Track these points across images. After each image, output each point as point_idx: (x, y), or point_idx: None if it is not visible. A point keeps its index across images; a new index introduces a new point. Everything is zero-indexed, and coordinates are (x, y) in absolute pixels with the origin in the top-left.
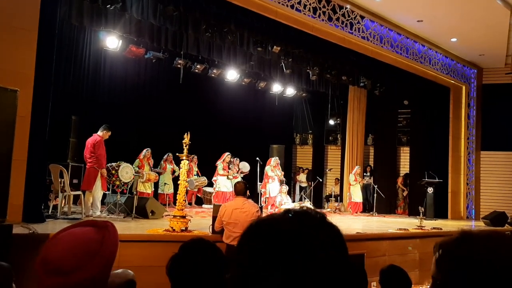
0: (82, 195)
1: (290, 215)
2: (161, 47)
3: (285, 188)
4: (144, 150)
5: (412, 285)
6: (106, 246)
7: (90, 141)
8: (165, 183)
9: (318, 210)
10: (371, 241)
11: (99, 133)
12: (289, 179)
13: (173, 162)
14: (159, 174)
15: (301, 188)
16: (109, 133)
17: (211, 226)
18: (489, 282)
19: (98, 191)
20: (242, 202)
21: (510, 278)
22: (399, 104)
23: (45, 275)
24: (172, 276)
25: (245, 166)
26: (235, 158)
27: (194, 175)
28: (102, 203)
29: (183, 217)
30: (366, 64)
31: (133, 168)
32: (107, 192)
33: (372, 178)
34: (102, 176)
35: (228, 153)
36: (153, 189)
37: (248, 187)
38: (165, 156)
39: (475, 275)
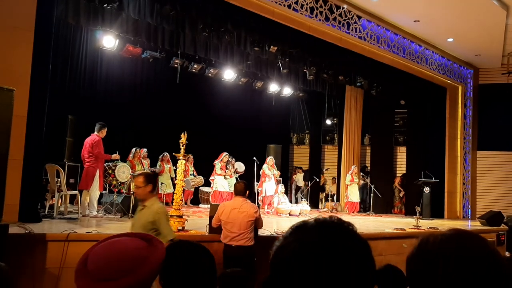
0: (79, 195)
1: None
2: (158, 46)
3: (282, 188)
4: (133, 150)
5: None
6: (147, 264)
7: (88, 141)
8: (161, 183)
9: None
10: (367, 240)
11: (96, 132)
12: (286, 179)
13: (170, 161)
14: (157, 174)
15: (297, 188)
16: (105, 129)
17: (208, 226)
18: (447, 279)
19: (95, 190)
20: (240, 202)
21: (460, 271)
22: (396, 104)
23: (82, 277)
24: (163, 279)
25: (240, 166)
26: (232, 158)
27: (190, 174)
28: (99, 202)
29: (180, 216)
30: (363, 64)
31: None
32: (103, 192)
33: (369, 178)
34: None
35: (226, 153)
36: None
37: (248, 187)
38: (161, 156)
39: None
